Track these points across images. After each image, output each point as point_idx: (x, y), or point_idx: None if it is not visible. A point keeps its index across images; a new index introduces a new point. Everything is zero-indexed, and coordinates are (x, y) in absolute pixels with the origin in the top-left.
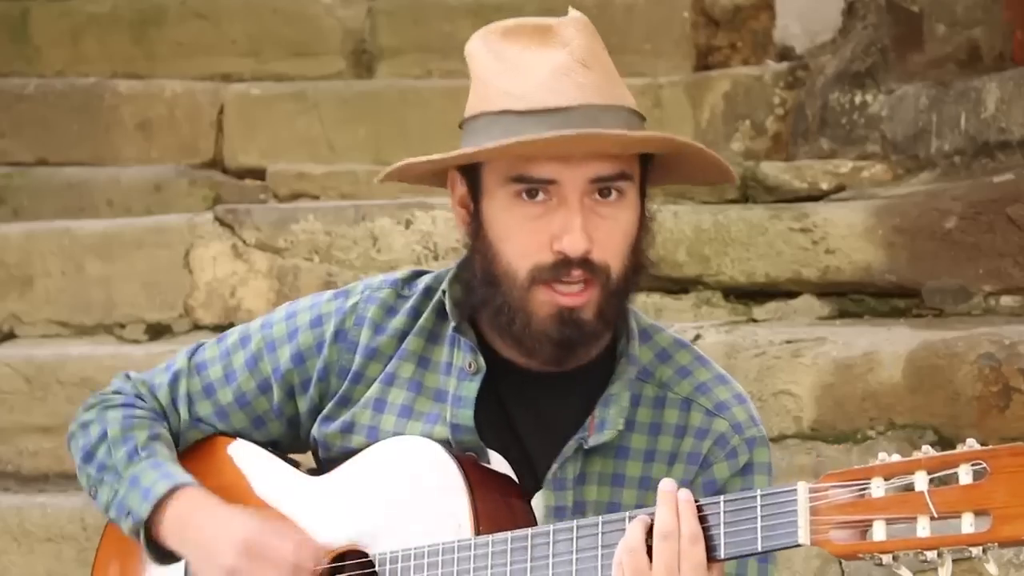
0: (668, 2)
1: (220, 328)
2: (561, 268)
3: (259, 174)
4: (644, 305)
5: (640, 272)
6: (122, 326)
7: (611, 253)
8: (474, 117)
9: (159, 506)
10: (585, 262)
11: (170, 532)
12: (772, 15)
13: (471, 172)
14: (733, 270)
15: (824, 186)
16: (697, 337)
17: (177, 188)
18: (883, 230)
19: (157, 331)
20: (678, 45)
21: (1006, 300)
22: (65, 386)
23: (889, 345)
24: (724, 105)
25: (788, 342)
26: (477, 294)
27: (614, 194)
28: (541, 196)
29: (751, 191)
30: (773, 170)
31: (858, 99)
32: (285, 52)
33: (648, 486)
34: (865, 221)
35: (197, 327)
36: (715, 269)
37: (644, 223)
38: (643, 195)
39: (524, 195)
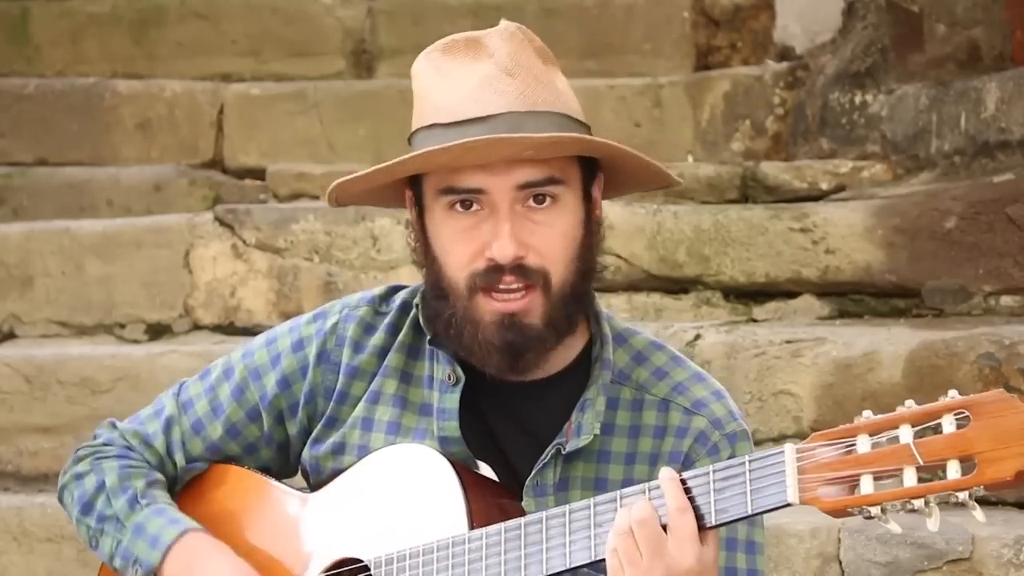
0: (668, 2)
1: (220, 328)
2: (493, 274)
3: (259, 174)
4: (644, 305)
5: (589, 277)
6: (122, 326)
7: (550, 258)
8: (413, 134)
9: (165, 553)
10: (519, 268)
11: None
12: (772, 15)
13: (417, 190)
14: (733, 270)
15: (824, 186)
16: (697, 337)
17: (177, 188)
18: (883, 230)
19: (157, 331)
20: (678, 45)
21: (1006, 300)
22: (65, 386)
23: (889, 345)
24: (724, 105)
25: (788, 342)
26: (432, 308)
27: (548, 200)
28: (475, 207)
29: (751, 191)
30: (773, 170)
31: (858, 99)
32: (285, 52)
33: None
34: (865, 221)
35: (197, 327)
36: (715, 269)
37: (589, 228)
38: (588, 200)
39: (458, 207)
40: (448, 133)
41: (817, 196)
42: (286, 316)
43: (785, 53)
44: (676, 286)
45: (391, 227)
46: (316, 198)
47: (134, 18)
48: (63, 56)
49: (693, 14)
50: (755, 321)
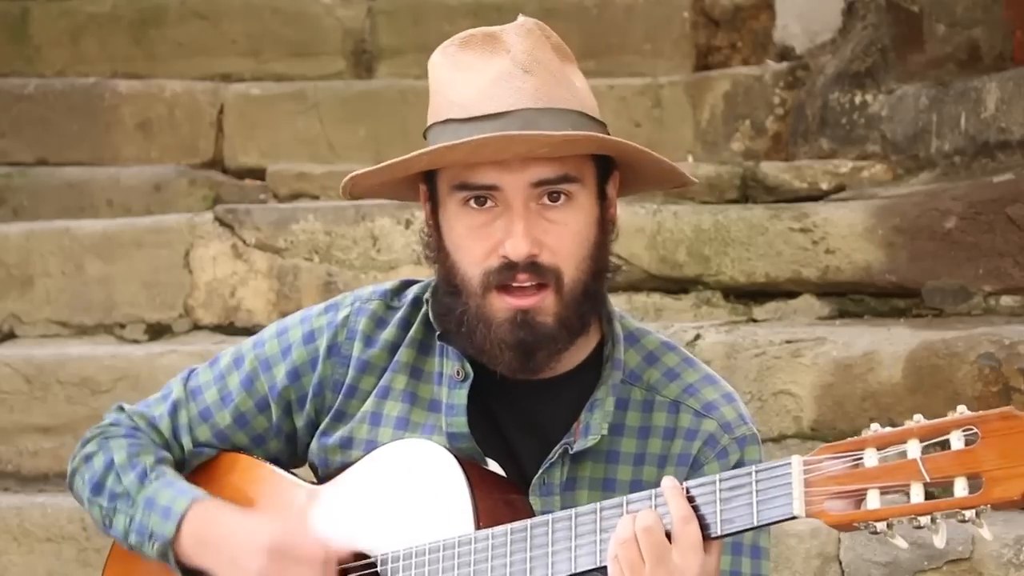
0: (668, 2)
1: (220, 328)
2: (507, 272)
3: (259, 174)
4: (644, 305)
5: (602, 277)
6: (122, 326)
7: (562, 256)
8: (428, 128)
9: (179, 524)
10: (533, 265)
11: (191, 549)
12: (772, 15)
13: (432, 185)
14: (733, 270)
15: (824, 186)
16: (697, 337)
17: (177, 188)
18: (883, 230)
19: (157, 331)
20: (678, 45)
21: (1006, 300)
22: (65, 386)
23: (889, 345)
24: (724, 105)
25: (788, 342)
26: (443, 304)
27: (562, 198)
28: (489, 204)
29: (751, 191)
30: (773, 170)
31: (858, 99)
32: (285, 52)
33: (639, 489)
34: (865, 221)
35: (197, 327)
36: (715, 269)
37: (603, 227)
38: (603, 198)
39: (472, 203)
40: (462, 129)
41: (817, 196)
42: (286, 316)
43: (785, 53)
44: (676, 286)
45: (391, 227)
46: (316, 198)
47: (134, 18)
48: (63, 56)
49: (693, 14)
50: (755, 321)
